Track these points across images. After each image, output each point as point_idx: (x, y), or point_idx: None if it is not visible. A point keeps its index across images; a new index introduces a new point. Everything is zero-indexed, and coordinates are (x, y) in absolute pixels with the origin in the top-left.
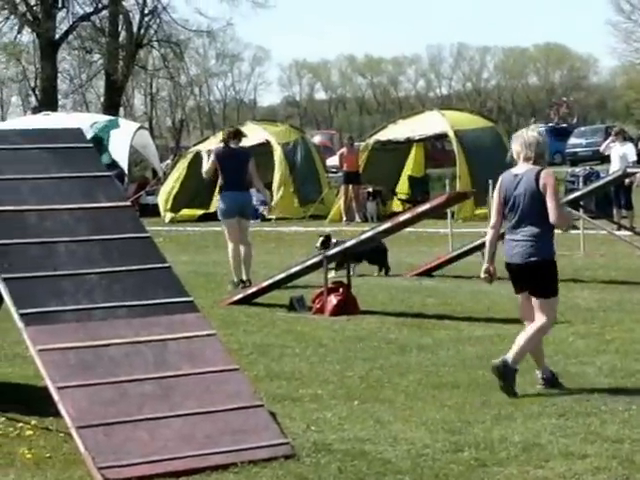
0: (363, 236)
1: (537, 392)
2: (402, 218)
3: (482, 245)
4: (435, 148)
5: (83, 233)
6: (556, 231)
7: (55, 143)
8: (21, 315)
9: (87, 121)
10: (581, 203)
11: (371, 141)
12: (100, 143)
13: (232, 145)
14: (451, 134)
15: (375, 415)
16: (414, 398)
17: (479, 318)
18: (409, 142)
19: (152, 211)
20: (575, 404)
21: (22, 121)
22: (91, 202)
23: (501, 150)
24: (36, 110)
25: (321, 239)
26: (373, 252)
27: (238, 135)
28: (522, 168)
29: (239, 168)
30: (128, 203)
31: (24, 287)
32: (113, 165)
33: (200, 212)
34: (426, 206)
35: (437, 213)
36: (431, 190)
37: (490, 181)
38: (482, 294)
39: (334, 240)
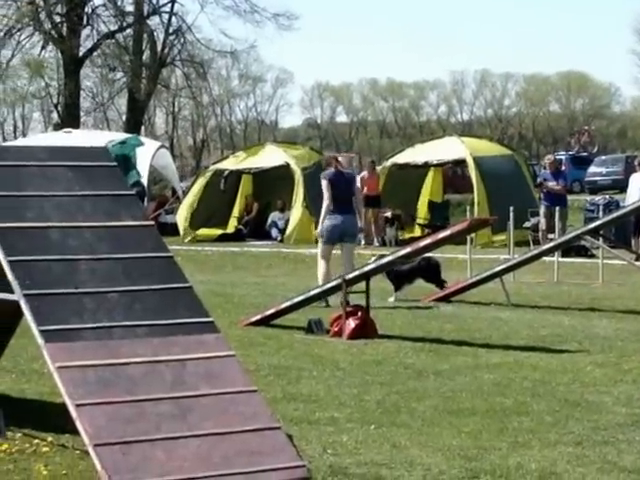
0: (383, 260)
1: (554, 420)
2: (422, 243)
3: (501, 272)
4: (455, 174)
5: (105, 251)
6: (574, 260)
7: (80, 161)
8: (41, 332)
9: (104, 139)
10: (600, 232)
11: (388, 164)
12: (128, 161)
13: (340, 168)
14: (469, 160)
15: (391, 440)
16: (431, 424)
17: (497, 345)
18: (427, 166)
19: (171, 230)
20: (592, 433)
21: (43, 138)
22: (113, 220)
23: (519, 178)
24: (58, 127)
25: None
26: (426, 270)
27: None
28: None
29: (348, 190)
30: (151, 222)
31: (45, 304)
32: (136, 183)
33: (219, 232)
34: (447, 232)
35: (457, 239)
36: (451, 216)
37: (511, 208)
38: (500, 321)
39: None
